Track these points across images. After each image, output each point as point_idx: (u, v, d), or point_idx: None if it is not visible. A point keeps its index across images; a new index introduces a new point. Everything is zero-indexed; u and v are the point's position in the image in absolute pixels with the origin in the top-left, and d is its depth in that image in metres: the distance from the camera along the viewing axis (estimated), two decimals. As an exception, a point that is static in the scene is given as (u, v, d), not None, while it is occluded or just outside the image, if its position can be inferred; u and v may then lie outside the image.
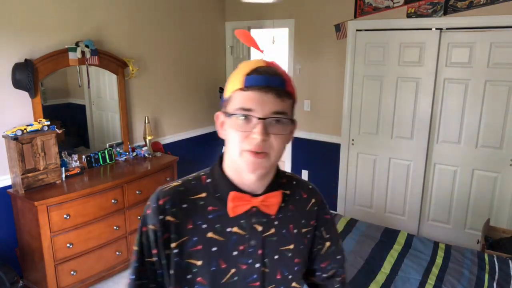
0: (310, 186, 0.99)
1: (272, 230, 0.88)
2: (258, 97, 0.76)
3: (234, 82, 0.79)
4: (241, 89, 0.77)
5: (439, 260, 2.55)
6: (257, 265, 0.87)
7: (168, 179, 3.36)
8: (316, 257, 0.99)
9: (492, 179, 3.32)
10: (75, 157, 2.98)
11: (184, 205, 0.84)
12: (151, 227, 0.83)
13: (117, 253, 2.96)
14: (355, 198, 4.05)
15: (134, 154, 3.44)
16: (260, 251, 0.87)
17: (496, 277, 2.36)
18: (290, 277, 0.91)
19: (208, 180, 0.88)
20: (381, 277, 2.37)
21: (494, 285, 2.28)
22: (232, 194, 0.83)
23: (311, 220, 0.96)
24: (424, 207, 3.70)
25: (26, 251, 2.71)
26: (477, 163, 3.36)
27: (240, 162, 0.80)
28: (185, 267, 0.83)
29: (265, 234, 0.87)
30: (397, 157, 3.73)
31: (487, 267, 2.46)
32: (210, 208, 0.85)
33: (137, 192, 3.05)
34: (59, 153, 2.75)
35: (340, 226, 2.98)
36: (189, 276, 0.83)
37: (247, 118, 0.77)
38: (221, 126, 0.84)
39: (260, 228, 0.86)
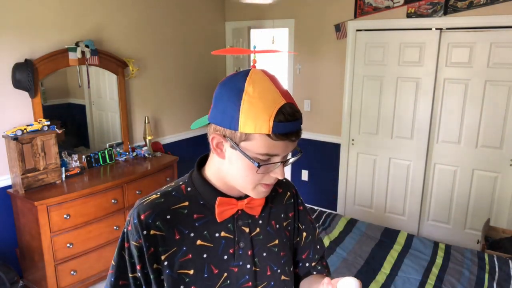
0: (284, 180, 1.02)
1: (258, 230, 0.91)
2: (285, 144, 0.76)
3: (257, 122, 0.73)
4: (268, 135, 0.74)
5: (439, 260, 2.55)
6: (248, 265, 0.88)
7: (168, 179, 3.36)
8: (297, 249, 1.03)
9: (492, 179, 3.32)
10: (75, 157, 2.98)
11: (168, 216, 0.83)
12: (134, 243, 0.82)
13: (117, 253, 2.96)
14: (355, 198, 4.05)
15: (134, 154, 3.44)
16: (250, 252, 0.88)
17: (496, 277, 2.36)
18: (278, 271, 0.94)
19: (189, 189, 0.88)
20: (381, 277, 2.37)
21: (494, 285, 2.28)
22: (219, 199, 0.84)
23: (289, 212, 1.00)
24: (424, 207, 3.70)
25: (26, 251, 2.71)
26: (477, 163, 3.36)
27: (250, 192, 0.83)
28: (177, 278, 0.83)
29: (252, 234, 0.90)
30: (397, 157, 3.73)
31: (487, 267, 2.46)
32: (195, 216, 0.85)
33: (137, 192, 3.05)
34: (59, 153, 2.75)
35: (340, 226, 2.98)
36: (182, 287, 0.83)
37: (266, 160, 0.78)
38: (217, 147, 0.81)
39: (247, 230, 0.89)
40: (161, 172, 3.28)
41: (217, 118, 0.78)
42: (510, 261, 2.51)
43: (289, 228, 0.99)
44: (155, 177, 3.21)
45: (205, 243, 0.85)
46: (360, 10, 3.61)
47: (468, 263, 2.50)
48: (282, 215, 0.97)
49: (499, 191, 3.30)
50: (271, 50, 0.85)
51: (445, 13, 3.23)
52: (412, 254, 2.62)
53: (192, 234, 0.84)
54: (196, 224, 0.85)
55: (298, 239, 1.02)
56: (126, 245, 0.84)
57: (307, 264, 1.05)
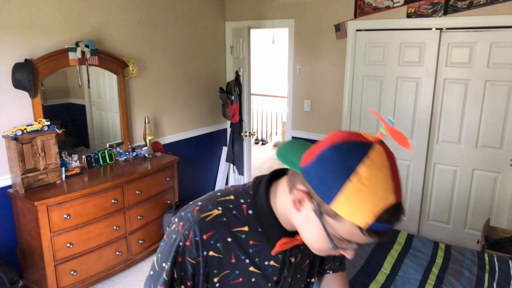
0: None
1: (299, 256, 0.92)
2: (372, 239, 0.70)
3: (355, 212, 0.65)
4: (360, 229, 0.66)
5: (439, 260, 2.54)
6: None
7: (168, 179, 3.36)
8: (322, 261, 1.10)
9: (492, 179, 3.32)
10: (75, 157, 2.98)
11: (228, 239, 0.81)
12: (190, 260, 0.79)
13: (117, 253, 2.96)
14: (355, 198, 4.05)
15: (134, 154, 3.44)
16: (290, 279, 0.90)
17: (496, 277, 2.36)
18: (303, 286, 0.98)
19: (250, 212, 0.84)
20: (381, 277, 2.37)
21: (494, 285, 2.28)
22: (283, 240, 0.82)
23: None
24: (424, 207, 3.70)
25: (26, 251, 2.71)
26: (477, 163, 3.36)
27: (312, 249, 0.80)
28: None
29: (295, 262, 0.91)
30: (397, 157, 3.70)
31: (487, 267, 2.46)
32: (251, 242, 0.83)
33: (137, 192, 3.05)
34: (59, 153, 2.75)
35: (340, 226, 2.98)
36: None
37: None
38: (299, 202, 0.74)
39: (293, 260, 0.90)
40: (161, 172, 3.28)
41: (312, 179, 0.69)
42: (510, 261, 2.51)
43: None
44: (155, 177, 3.21)
45: (256, 270, 0.85)
46: (360, 10, 3.61)
47: (468, 263, 2.50)
48: None
49: (499, 191, 3.30)
50: (402, 136, 0.78)
51: (445, 13, 3.23)
52: (412, 254, 2.61)
53: (247, 260, 0.83)
54: (250, 251, 0.83)
55: None
56: (179, 259, 0.79)
57: (328, 272, 1.12)
